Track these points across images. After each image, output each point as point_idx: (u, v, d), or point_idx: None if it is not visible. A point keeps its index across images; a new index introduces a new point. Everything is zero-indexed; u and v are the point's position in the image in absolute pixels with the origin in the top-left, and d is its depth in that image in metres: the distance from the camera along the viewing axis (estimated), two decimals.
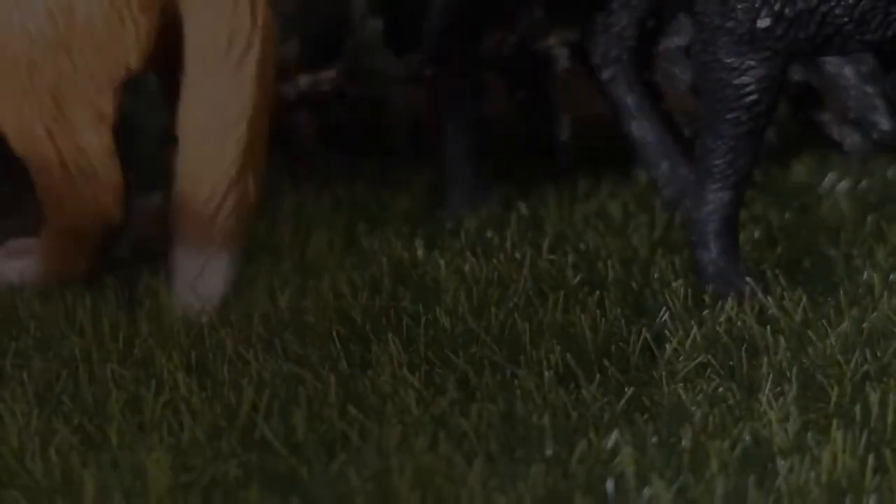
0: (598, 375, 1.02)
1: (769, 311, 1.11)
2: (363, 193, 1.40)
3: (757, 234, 1.28)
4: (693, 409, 0.97)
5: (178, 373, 1.01)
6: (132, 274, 1.22)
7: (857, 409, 0.96)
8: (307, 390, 0.99)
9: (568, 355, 1.04)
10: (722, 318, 1.11)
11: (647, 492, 0.86)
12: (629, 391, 0.99)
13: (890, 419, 0.95)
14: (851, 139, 1.46)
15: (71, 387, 1.00)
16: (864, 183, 1.40)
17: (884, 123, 1.43)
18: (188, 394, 0.98)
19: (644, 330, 1.08)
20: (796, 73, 1.46)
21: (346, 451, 0.92)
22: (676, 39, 1.38)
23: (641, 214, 1.32)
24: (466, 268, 1.20)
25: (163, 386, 1.00)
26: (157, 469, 0.89)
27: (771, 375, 1.02)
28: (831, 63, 1.43)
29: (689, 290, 1.15)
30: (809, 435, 0.93)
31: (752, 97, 1.10)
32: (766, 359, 1.04)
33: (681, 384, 1.01)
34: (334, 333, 1.07)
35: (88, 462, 0.90)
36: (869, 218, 1.30)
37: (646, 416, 0.97)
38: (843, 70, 1.43)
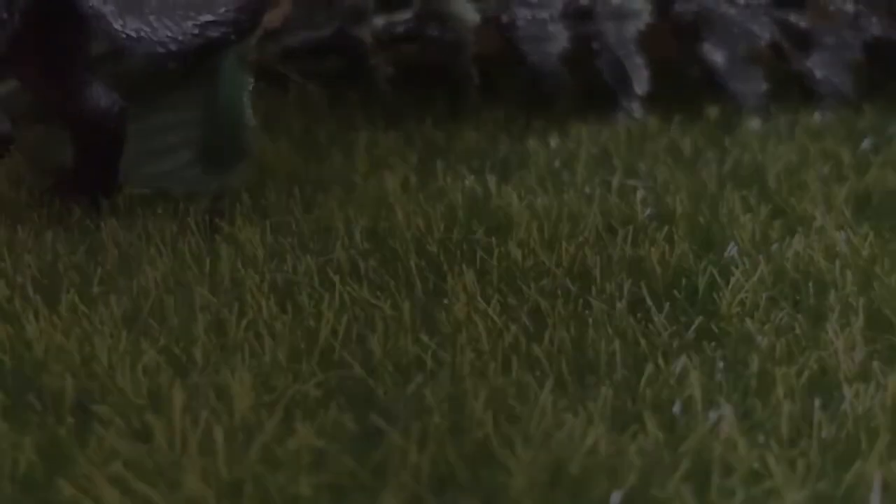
0: (667, 305, 1.04)
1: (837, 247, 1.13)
2: (434, 130, 1.42)
3: (826, 170, 1.29)
4: (760, 338, 0.99)
5: (261, 298, 1.04)
6: (210, 201, 1.25)
7: None
8: (384, 316, 1.02)
9: (639, 285, 1.06)
10: (790, 254, 1.13)
11: (713, 414, 0.88)
12: (697, 320, 1.01)
13: None
14: None
15: (157, 310, 1.04)
16: None
17: None
18: (270, 318, 1.02)
19: (712, 264, 1.10)
20: (874, 28, 1.47)
21: (422, 373, 0.95)
22: None
23: (711, 150, 1.34)
24: (538, 202, 1.22)
25: (245, 309, 1.03)
26: (240, 389, 0.92)
27: (838, 308, 1.04)
28: None
29: (758, 226, 1.17)
30: (875, 364, 0.95)
31: None
32: (833, 292, 1.06)
33: (748, 315, 1.03)
34: (411, 263, 1.10)
35: (175, 381, 0.94)
36: None
37: (713, 343, 0.99)
38: None
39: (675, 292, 1.06)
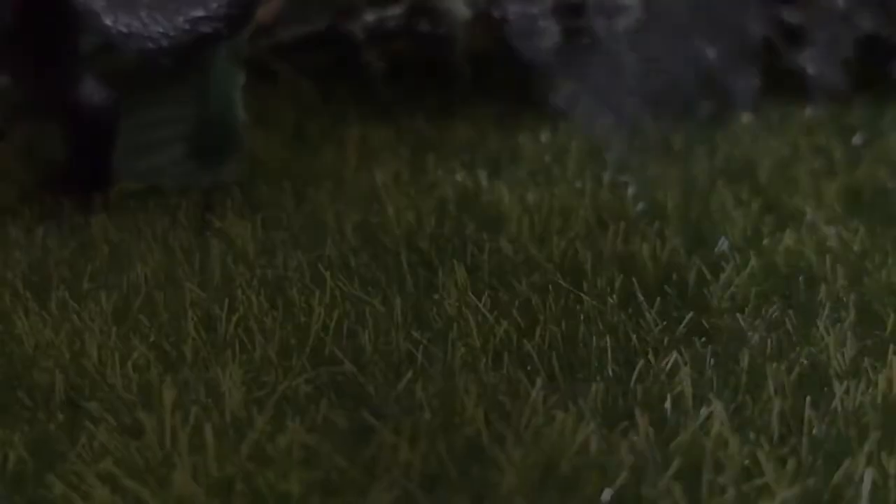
0: (658, 301, 1.04)
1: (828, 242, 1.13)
2: (426, 125, 1.42)
3: (817, 164, 1.29)
4: (751, 333, 0.99)
5: (252, 293, 1.04)
6: (201, 196, 1.25)
7: None
8: (375, 312, 1.02)
9: (629, 281, 1.06)
10: (781, 249, 1.12)
11: (704, 411, 0.88)
12: (688, 316, 1.01)
13: None
14: None
15: (147, 306, 1.04)
16: None
17: None
18: (260, 313, 1.01)
19: (703, 259, 1.10)
20: (866, 24, 1.47)
21: (413, 369, 0.95)
22: None
23: (702, 145, 1.34)
24: (529, 197, 1.22)
25: (236, 305, 1.03)
26: (230, 385, 0.92)
27: (828, 304, 1.03)
28: None
29: (749, 221, 1.17)
30: (866, 360, 0.95)
31: None
32: (823, 287, 1.06)
33: (739, 310, 1.03)
34: (402, 258, 1.10)
35: (165, 377, 0.93)
36: None
37: (704, 339, 0.99)
38: None
39: (667, 287, 1.06)
